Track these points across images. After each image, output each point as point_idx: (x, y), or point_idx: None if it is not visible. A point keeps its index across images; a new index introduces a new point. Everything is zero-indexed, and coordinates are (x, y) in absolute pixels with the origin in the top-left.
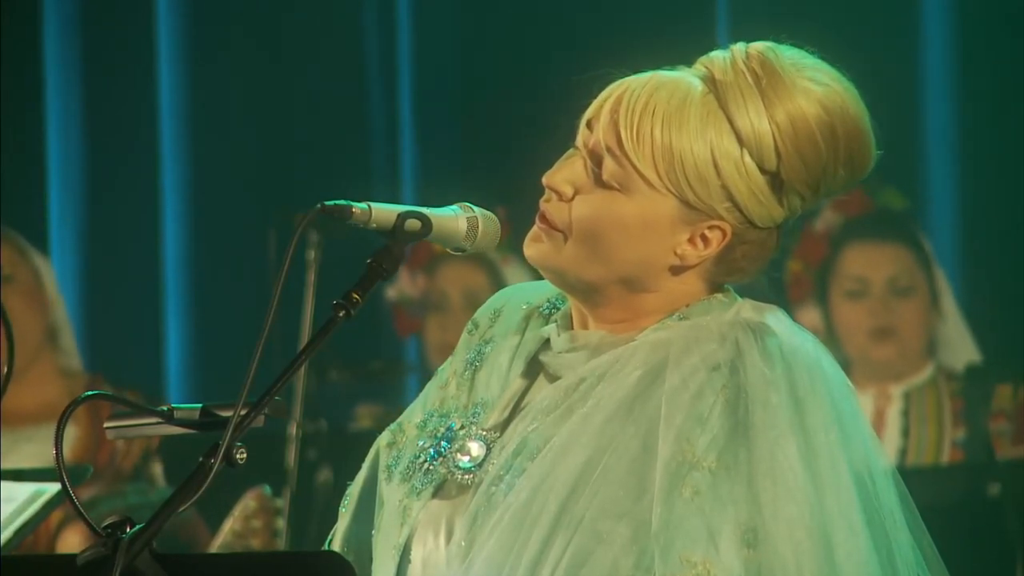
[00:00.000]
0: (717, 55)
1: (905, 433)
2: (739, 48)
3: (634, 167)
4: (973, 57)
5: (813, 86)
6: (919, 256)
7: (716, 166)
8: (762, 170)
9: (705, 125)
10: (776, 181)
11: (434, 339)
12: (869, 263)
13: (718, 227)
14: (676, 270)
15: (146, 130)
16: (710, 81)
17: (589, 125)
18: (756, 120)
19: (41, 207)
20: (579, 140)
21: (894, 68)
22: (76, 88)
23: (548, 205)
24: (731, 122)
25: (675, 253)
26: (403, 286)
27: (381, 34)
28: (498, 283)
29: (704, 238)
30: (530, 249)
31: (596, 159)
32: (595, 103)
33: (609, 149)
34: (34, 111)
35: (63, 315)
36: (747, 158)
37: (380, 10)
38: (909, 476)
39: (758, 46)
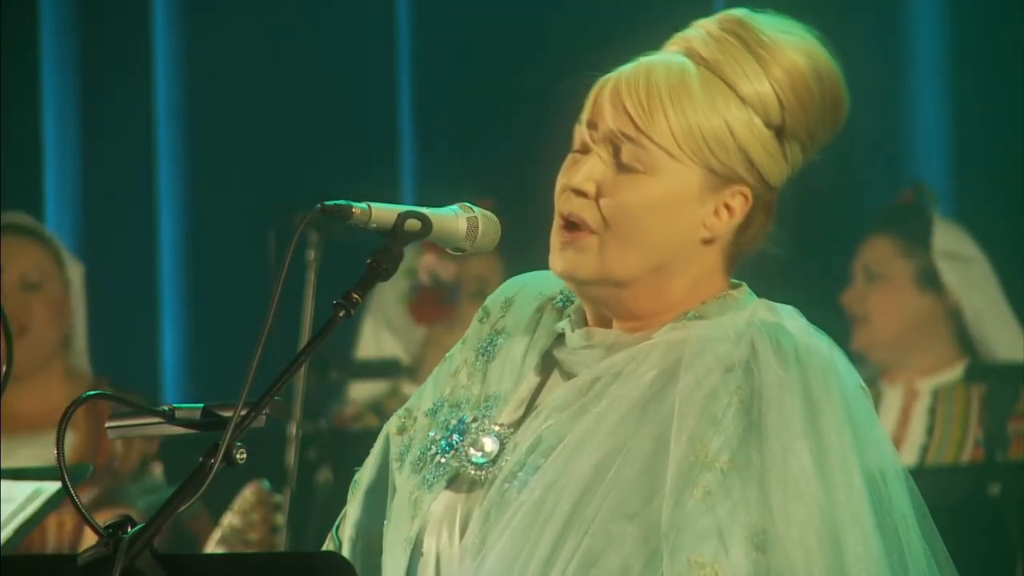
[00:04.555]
0: (690, 33)
1: (930, 431)
2: (707, 22)
3: (654, 143)
4: (966, 55)
5: (793, 39)
6: (899, 244)
7: (730, 129)
8: (768, 126)
9: (710, 94)
10: (781, 134)
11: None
12: (858, 254)
13: (740, 193)
14: (706, 244)
15: (143, 130)
16: (696, 56)
17: (591, 124)
18: (756, 81)
19: (37, 207)
20: (583, 142)
21: (889, 66)
22: (73, 87)
23: (574, 206)
24: (733, 88)
25: (704, 226)
26: (436, 269)
27: (381, 35)
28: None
29: (728, 207)
30: (563, 263)
31: (613, 148)
32: (589, 102)
33: (624, 134)
34: (31, 111)
35: (82, 318)
36: (755, 118)
37: (380, 11)
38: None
39: (727, 15)
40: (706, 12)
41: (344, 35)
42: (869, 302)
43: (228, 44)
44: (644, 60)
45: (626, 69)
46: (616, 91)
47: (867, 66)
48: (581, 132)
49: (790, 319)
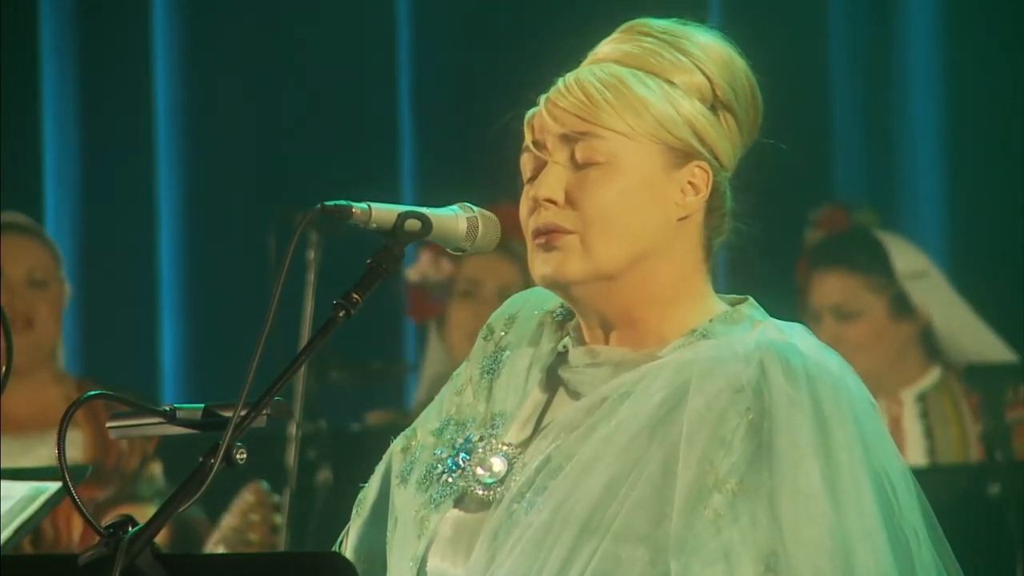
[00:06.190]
0: (600, 49)
1: (929, 435)
2: (611, 37)
3: (607, 129)
4: (958, 55)
5: (699, 30)
6: (869, 279)
7: (672, 105)
8: (703, 102)
9: (643, 81)
10: (714, 109)
11: (468, 325)
12: (820, 291)
13: (699, 167)
14: (682, 226)
15: (143, 130)
16: (620, 63)
17: (536, 144)
18: (685, 67)
19: (37, 207)
20: (534, 165)
21: (882, 64)
22: (72, 88)
23: (548, 217)
24: (662, 77)
25: (677, 205)
26: (426, 269)
27: (381, 34)
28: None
29: (693, 185)
30: (550, 265)
31: (568, 152)
32: (526, 129)
33: (575, 131)
34: (31, 111)
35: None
36: (692, 97)
37: (380, 10)
38: None
39: (627, 24)
40: (705, 13)
41: (344, 35)
42: (847, 340)
43: (228, 44)
44: (565, 76)
45: (550, 91)
46: (551, 104)
47: (863, 73)
48: (528, 158)
49: (799, 337)
